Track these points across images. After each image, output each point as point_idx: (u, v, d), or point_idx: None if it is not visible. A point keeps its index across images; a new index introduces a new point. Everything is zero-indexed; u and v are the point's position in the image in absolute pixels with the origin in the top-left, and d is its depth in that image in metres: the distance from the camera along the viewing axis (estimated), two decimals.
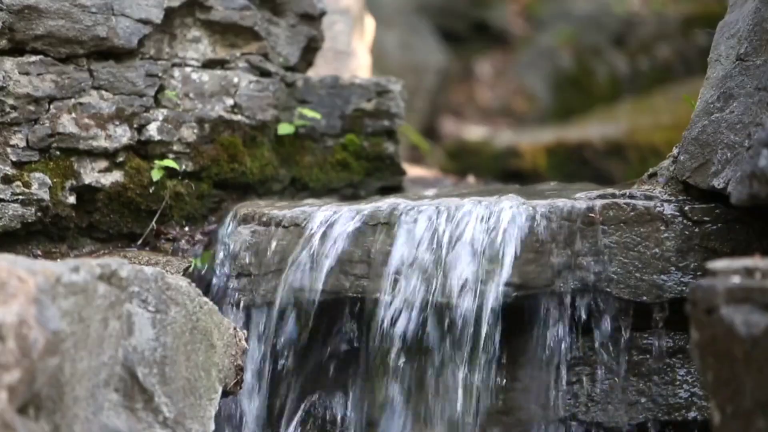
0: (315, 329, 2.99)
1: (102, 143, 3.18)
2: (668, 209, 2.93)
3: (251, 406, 3.00)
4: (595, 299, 2.90)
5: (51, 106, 3.13)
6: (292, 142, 3.48)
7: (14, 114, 3.09)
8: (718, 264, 2.20)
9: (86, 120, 3.16)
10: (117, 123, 3.20)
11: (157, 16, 3.24)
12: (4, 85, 3.07)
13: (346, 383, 3.03)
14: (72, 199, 3.17)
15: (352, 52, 4.72)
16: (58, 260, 2.93)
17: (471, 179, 4.47)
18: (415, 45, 7.46)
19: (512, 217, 2.91)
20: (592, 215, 2.91)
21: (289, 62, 3.50)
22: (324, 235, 2.99)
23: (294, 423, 3.02)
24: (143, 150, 3.26)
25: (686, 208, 2.93)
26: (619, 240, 2.91)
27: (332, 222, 3.00)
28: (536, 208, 2.92)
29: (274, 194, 3.45)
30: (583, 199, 2.97)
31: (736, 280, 2.15)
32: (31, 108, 3.11)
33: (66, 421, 2.24)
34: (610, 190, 3.07)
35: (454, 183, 4.23)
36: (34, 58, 3.11)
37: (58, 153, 3.15)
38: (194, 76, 3.34)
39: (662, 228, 2.91)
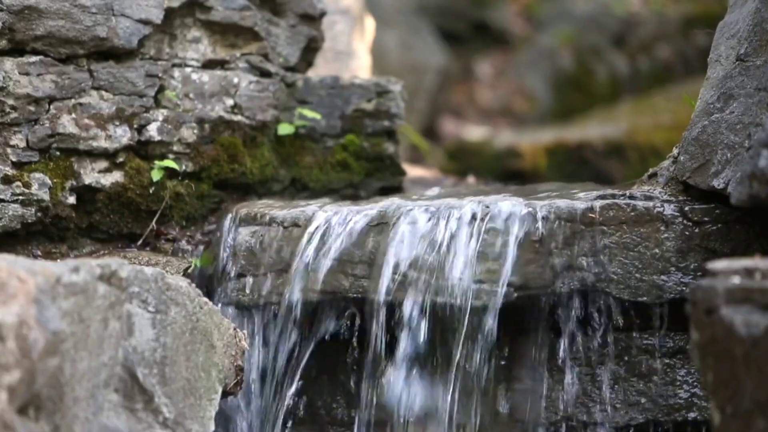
0: (315, 329, 2.99)
1: (102, 143, 3.18)
2: (668, 210, 2.93)
3: (251, 405, 3.00)
4: (595, 300, 2.90)
5: (51, 107, 3.13)
6: (292, 142, 3.48)
7: (14, 114, 3.09)
8: (718, 264, 2.20)
9: (86, 120, 3.16)
10: (117, 123, 3.20)
11: (157, 16, 3.24)
12: (4, 85, 3.07)
13: (347, 383, 3.03)
14: (72, 200, 3.17)
15: (352, 52, 4.73)
16: (58, 260, 2.93)
17: (471, 179, 4.47)
18: (415, 45, 7.46)
19: (512, 217, 2.91)
20: (592, 215, 2.91)
21: (289, 62, 3.50)
22: (324, 236, 2.99)
23: (294, 423, 3.02)
24: (143, 150, 3.26)
25: (686, 208, 2.93)
26: (619, 240, 2.91)
27: (332, 222, 3.00)
28: (536, 208, 2.92)
29: (274, 194, 3.45)
30: (582, 199, 2.97)
31: (736, 280, 2.15)
32: (31, 108, 3.11)
33: (66, 421, 2.23)
34: (610, 191, 3.07)
35: (454, 183, 4.23)
36: (34, 58, 3.11)
37: (58, 153, 3.15)
38: (194, 76, 3.34)
39: (662, 228, 2.91)
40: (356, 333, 2.98)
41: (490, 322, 2.87)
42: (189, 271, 3.12)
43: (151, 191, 3.25)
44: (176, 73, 3.32)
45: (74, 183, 3.17)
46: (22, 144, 3.11)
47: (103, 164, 3.21)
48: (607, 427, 2.92)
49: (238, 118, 3.37)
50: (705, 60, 3.11)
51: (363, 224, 2.98)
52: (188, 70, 3.34)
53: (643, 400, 2.92)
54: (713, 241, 2.91)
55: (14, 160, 3.10)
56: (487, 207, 2.94)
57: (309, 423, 3.04)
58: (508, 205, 2.94)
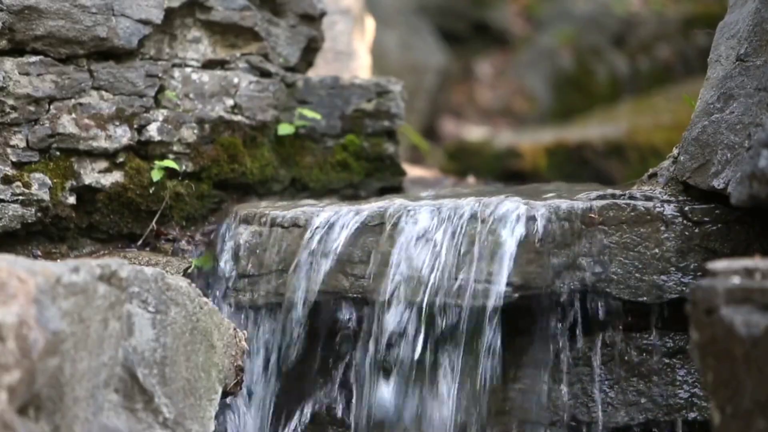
0: (315, 330, 2.99)
1: (102, 144, 3.18)
2: (668, 210, 2.93)
3: (252, 406, 3.00)
4: (595, 300, 2.90)
5: (51, 107, 3.13)
6: (292, 142, 3.48)
7: (14, 114, 3.09)
8: (718, 264, 2.21)
9: (86, 120, 3.16)
10: (117, 123, 3.20)
11: (157, 16, 3.24)
12: (4, 85, 3.07)
13: (348, 383, 3.03)
14: (72, 200, 3.17)
15: (353, 52, 4.73)
16: (58, 261, 2.94)
17: (471, 180, 4.47)
18: (415, 45, 7.46)
19: (512, 217, 2.91)
20: (592, 215, 2.91)
21: (290, 63, 3.50)
22: (324, 236, 2.99)
23: (295, 423, 3.02)
24: (143, 150, 3.26)
25: (686, 208, 2.93)
26: (619, 240, 2.91)
27: (332, 222, 3.00)
28: (536, 208, 2.92)
29: (274, 195, 3.45)
30: (582, 199, 2.97)
31: (736, 280, 2.15)
32: (31, 108, 3.11)
33: (66, 421, 2.24)
34: (610, 191, 3.07)
35: (454, 183, 4.23)
36: (34, 58, 3.12)
37: (58, 153, 3.15)
38: (194, 76, 3.34)
39: (662, 228, 2.91)
40: (356, 333, 2.98)
41: (491, 322, 2.87)
42: (189, 271, 3.12)
43: (151, 191, 3.25)
44: (176, 73, 3.32)
45: (74, 183, 3.17)
46: (22, 144, 3.11)
47: (103, 164, 3.21)
48: (608, 427, 2.92)
49: (238, 118, 3.37)
50: (705, 60, 3.11)
51: (363, 224, 2.98)
52: (188, 70, 3.34)
53: (643, 400, 2.92)
54: (713, 241, 2.91)
55: (14, 160, 3.10)
56: (488, 207, 2.94)
57: (309, 423, 3.04)
58: (508, 205, 2.94)
